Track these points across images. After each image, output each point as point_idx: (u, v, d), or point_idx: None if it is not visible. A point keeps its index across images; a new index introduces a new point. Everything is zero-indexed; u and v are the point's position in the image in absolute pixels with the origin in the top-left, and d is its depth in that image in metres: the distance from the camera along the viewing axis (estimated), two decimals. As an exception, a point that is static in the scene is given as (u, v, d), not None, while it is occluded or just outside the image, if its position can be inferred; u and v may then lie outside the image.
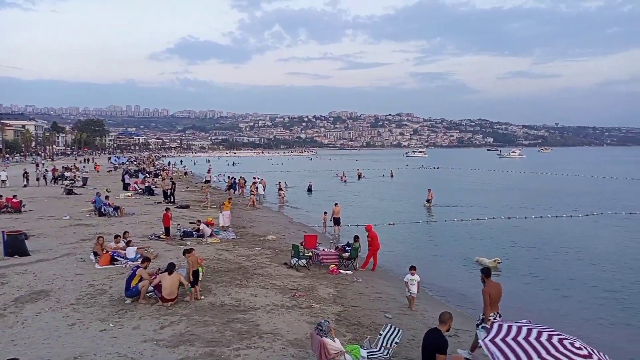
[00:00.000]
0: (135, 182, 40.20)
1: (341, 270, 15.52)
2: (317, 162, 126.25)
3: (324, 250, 16.74)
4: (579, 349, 5.60)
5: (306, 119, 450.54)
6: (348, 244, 16.82)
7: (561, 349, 5.64)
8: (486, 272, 9.20)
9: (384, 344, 8.65)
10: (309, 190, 45.08)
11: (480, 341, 6.21)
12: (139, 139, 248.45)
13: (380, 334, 8.92)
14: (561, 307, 13.30)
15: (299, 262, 15.58)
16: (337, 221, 23.05)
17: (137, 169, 63.56)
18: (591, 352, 5.61)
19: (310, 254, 16.16)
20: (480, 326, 8.71)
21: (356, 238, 16.54)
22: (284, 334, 9.47)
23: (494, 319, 8.56)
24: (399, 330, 8.82)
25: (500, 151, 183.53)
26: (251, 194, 34.17)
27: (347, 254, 16.25)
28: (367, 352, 8.40)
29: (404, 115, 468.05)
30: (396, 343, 8.57)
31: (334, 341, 7.78)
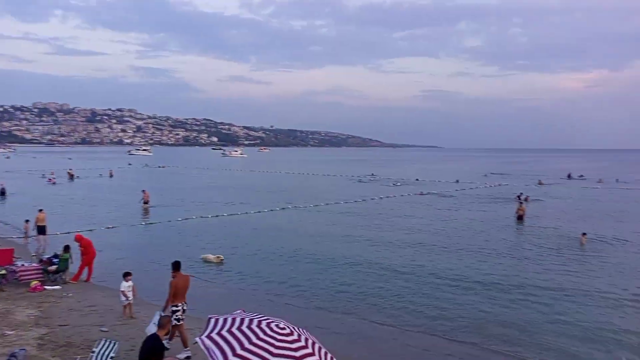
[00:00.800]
0: None
1: (47, 287, 13.49)
2: (17, 160, 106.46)
3: (23, 265, 14.22)
4: (283, 328, 6.31)
5: (1, 109, 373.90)
6: (56, 256, 14.73)
7: (268, 331, 6.26)
8: (175, 265, 9.71)
9: (98, 362, 7.92)
10: (2, 194, 37.63)
11: (197, 339, 6.33)
12: None
13: (94, 351, 8.14)
14: (278, 293, 14.84)
15: (-12, 283, 12.82)
16: (42, 230, 19.95)
17: None
18: (292, 329, 6.41)
19: (4, 272, 13.48)
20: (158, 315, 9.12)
21: (66, 248, 14.68)
22: (-38, 376, 7.62)
23: (181, 308, 9.28)
24: (114, 344, 8.23)
25: (224, 150, 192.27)
26: None
27: (54, 267, 14.22)
28: (77, 375, 7.54)
29: (126, 110, 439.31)
30: (111, 358, 7.96)
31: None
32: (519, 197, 37.71)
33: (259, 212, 31.84)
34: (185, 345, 9.11)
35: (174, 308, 9.23)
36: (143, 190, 34.32)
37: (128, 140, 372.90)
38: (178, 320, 9.18)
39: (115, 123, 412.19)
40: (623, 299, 14.33)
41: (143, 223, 27.09)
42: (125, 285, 11.39)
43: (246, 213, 31.05)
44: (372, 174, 70.63)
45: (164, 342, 7.18)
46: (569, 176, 69.04)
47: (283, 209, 33.37)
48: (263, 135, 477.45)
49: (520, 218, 28.77)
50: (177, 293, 9.26)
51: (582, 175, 68.95)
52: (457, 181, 58.27)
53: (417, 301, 13.97)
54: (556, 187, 53.81)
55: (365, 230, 25.74)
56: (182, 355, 8.91)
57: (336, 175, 71.84)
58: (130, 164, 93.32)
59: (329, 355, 6.23)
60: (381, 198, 40.62)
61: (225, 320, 6.62)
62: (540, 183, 56.44)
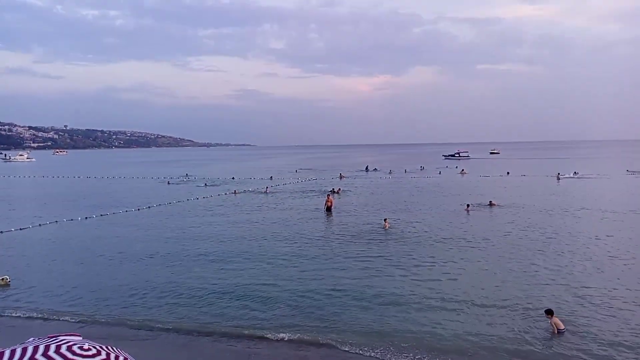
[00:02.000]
0: None
1: None
2: None
3: None
4: (88, 350, 5.64)
5: None
6: None
7: (70, 355, 5.51)
8: None
9: None
10: None
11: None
12: None
13: None
14: (78, 312, 13.29)
15: None
16: None
17: None
18: (100, 349, 5.78)
19: None
20: None
21: None
22: None
23: None
24: None
25: (6, 155, 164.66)
26: None
27: None
28: None
29: None
30: None
31: None
32: (332, 190, 40.92)
33: (56, 221, 28.07)
34: None
35: None
36: None
37: None
38: None
39: None
40: (420, 278, 16.71)
41: None
42: None
43: (39, 225, 27.04)
44: (187, 175, 68.34)
45: None
46: (367, 169, 77.61)
47: (86, 218, 29.88)
48: (55, 136, 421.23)
49: (329, 209, 31.13)
50: None
51: (376, 168, 78.14)
52: (271, 178, 60.28)
53: (226, 307, 13.73)
54: (356, 179, 59.87)
55: (172, 242, 22.94)
56: None
57: (145, 177, 67.41)
58: None
59: (144, 369, 5.82)
60: (197, 199, 39.54)
61: (13, 352, 5.61)
62: (341, 176, 62.00)
